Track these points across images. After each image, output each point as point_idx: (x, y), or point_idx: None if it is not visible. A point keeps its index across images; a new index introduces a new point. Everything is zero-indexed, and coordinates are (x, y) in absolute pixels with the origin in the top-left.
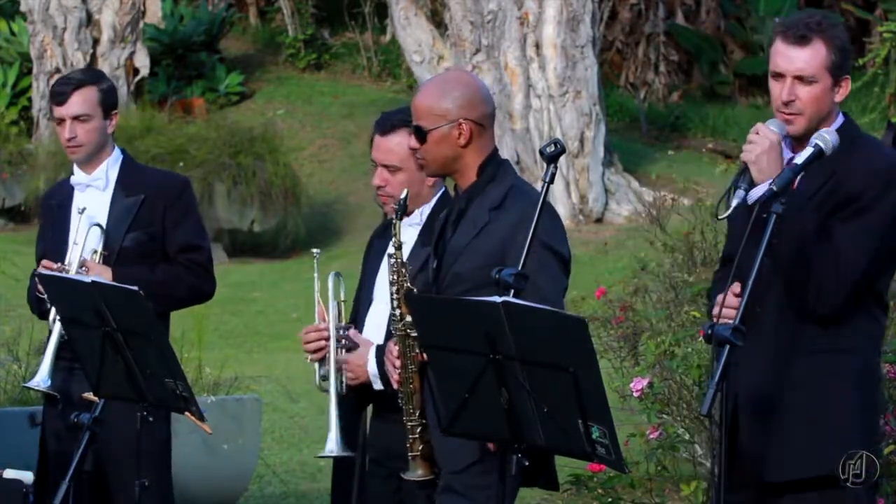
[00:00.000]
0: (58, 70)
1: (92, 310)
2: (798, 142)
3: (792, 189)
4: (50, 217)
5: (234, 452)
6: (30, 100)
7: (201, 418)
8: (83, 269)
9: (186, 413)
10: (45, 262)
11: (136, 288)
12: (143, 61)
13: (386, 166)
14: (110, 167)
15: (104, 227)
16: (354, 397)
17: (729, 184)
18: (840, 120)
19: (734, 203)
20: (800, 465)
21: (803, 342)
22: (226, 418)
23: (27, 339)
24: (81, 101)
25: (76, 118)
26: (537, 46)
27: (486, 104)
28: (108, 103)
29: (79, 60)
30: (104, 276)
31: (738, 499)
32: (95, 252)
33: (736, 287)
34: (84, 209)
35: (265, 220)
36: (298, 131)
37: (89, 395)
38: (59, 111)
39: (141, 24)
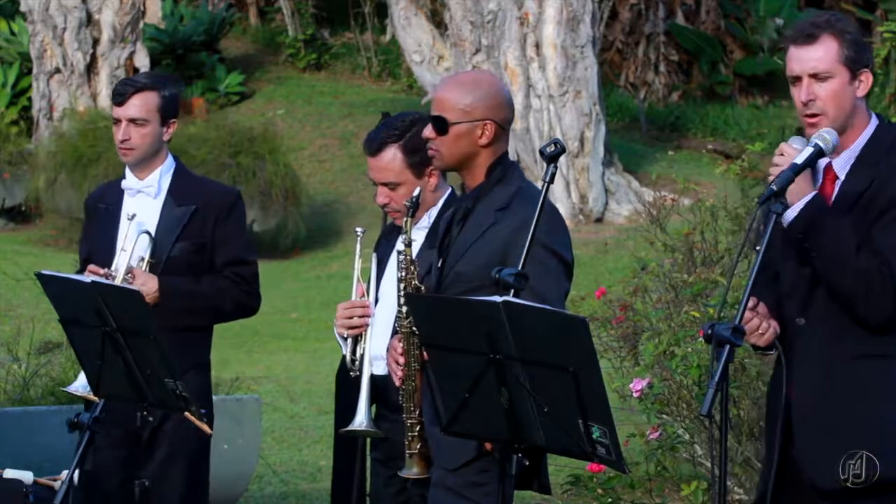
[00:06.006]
0: (58, 70)
1: (92, 310)
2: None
3: (827, 201)
4: (97, 220)
5: (234, 452)
6: (30, 100)
7: (201, 418)
8: (129, 276)
9: (186, 413)
10: (91, 266)
11: (135, 288)
12: (143, 61)
13: (385, 184)
14: (163, 175)
15: (153, 235)
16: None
17: (755, 210)
18: (874, 123)
19: (770, 228)
20: (863, 471)
21: (851, 349)
22: (226, 418)
23: (27, 339)
24: (140, 104)
25: (132, 121)
26: (537, 46)
27: (510, 109)
28: (168, 111)
29: (79, 60)
30: (150, 284)
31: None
32: (143, 260)
33: (751, 302)
34: (134, 215)
35: (265, 220)
36: (298, 131)
37: (89, 395)
38: (117, 111)
39: (141, 24)
